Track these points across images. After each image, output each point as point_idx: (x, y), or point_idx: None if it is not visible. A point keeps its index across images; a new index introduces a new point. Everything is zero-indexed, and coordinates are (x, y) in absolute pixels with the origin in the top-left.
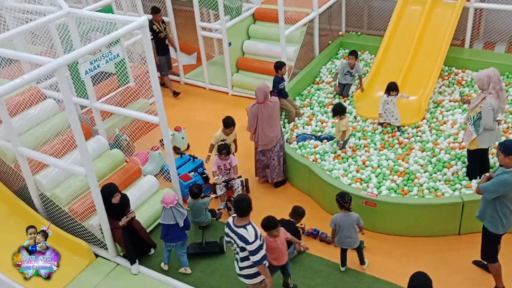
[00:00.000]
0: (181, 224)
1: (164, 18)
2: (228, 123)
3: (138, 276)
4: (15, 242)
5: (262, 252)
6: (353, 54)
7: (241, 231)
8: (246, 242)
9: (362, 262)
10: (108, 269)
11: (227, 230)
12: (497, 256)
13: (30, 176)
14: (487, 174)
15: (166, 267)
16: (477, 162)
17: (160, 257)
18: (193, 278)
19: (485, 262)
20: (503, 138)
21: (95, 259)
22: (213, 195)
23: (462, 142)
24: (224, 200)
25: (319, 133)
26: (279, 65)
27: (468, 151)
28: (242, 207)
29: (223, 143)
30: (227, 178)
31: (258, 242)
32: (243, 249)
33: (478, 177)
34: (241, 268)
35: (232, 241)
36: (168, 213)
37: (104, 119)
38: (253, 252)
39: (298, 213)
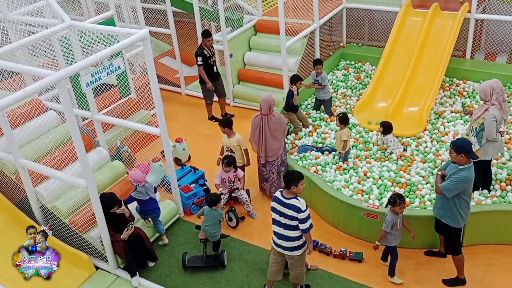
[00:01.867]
0: (154, 196)
1: (165, 30)
2: (220, 122)
3: None
4: None
5: (310, 221)
6: (315, 62)
7: (292, 201)
8: (299, 210)
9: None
10: (109, 281)
11: (274, 204)
12: (461, 248)
13: (31, 188)
14: (439, 172)
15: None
16: (479, 173)
17: (161, 270)
18: None
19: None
20: (505, 149)
21: (95, 271)
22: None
23: None
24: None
25: (320, 144)
26: (295, 79)
27: None
28: (287, 179)
29: (228, 153)
30: (230, 190)
31: (308, 212)
32: (292, 218)
33: (480, 189)
34: (286, 238)
35: (278, 214)
36: (140, 190)
37: (105, 130)
38: (303, 220)
39: None
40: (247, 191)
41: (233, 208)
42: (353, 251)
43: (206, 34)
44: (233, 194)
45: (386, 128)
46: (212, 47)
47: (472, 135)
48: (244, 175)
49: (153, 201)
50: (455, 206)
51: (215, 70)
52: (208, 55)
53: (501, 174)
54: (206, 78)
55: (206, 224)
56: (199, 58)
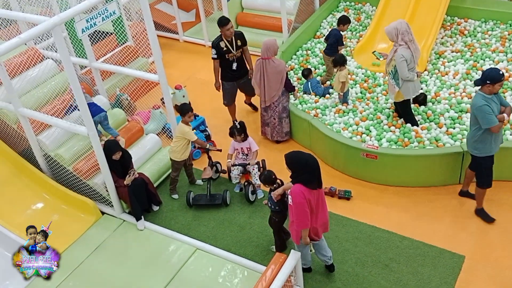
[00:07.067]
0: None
1: None
2: (181, 109)
3: (144, 231)
4: (23, 201)
5: None
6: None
7: None
8: None
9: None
10: (115, 225)
11: None
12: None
13: (33, 137)
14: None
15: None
16: (410, 111)
17: (165, 213)
18: (197, 232)
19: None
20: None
21: (101, 216)
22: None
23: (463, 92)
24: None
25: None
26: (345, 20)
27: (396, 104)
28: None
29: (235, 124)
30: (242, 163)
31: None
32: None
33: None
34: None
35: None
36: None
37: (104, 79)
38: None
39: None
40: (263, 161)
41: (249, 182)
42: (342, 190)
43: (222, 22)
44: (247, 168)
45: None
46: (236, 37)
47: (390, 78)
48: (257, 150)
49: (93, 104)
50: (489, 135)
51: (234, 68)
52: (225, 48)
53: None
54: (216, 74)
55: None
56: (213, 51)
